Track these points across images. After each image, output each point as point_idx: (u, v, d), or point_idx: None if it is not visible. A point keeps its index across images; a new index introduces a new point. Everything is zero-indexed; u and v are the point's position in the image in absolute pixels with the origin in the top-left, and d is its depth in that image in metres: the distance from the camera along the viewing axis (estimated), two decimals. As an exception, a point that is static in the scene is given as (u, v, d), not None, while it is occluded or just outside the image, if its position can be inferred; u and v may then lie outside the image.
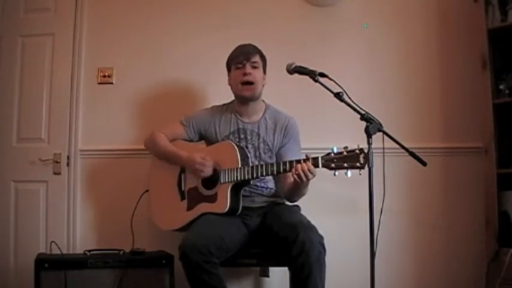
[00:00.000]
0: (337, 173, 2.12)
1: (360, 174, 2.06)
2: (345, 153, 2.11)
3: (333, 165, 2.12)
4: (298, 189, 2.35)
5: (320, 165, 2.16)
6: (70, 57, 2.99)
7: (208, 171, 2.42)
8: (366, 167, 2.00)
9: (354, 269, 2.72)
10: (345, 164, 2.09)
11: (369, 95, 2.65)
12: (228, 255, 2.29)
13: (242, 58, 2.50)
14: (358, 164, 2.06)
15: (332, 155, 2.13)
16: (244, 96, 2.52)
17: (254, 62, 2.51)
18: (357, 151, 2.08)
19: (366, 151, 2.04)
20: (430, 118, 2.96)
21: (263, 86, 2.57)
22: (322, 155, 2.16)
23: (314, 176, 2.19)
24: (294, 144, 2.55)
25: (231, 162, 2.37)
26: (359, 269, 2.38)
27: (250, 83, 2.49)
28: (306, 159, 2.19)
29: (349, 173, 2.09)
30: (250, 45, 2.57)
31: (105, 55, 3.03)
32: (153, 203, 2.65)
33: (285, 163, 2.26)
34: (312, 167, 2.16)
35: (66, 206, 2.92)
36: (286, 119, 2.58)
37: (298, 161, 2.20)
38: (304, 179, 2.17)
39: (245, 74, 2.48)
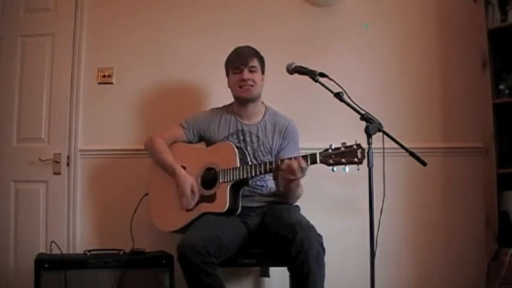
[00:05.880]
0: (335, 169, 2.12)
1: (358, 169, 2.06)
2: (342, 148, 2.12)
3: (331, 161, 2.13)
4: (288, 189, 2.34)
5: (318, 161, 2.16)
6: (70, 57, 2.99)
7: (190, 205, 2.42)
8: (366, 167, 1.98)
9: (353, 269, 2.72)
10: (343, 160, 2.10)
11: (369, 95, 2.66)
12: (228, 255, 2.29)
13: (239, 63, 2.50)
14: (355, 159, 2.07)
15: (330, 150, 2.14)
16: (242, 97, 2.52)
17: (252, 67, 2.50)
18: (355, 146, 2.09)
19: (363, 146, 2.06)
20: (430, 118, 2.96)
21: (262, 86, 2.57)
22: (320, 151, 2.17)
23: (303, 173, 2.20)
24: (292, 147, 2.54)
25: (230, 162, 2.37)
26: (359, 269, 2.38)
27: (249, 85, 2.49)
28: (297, 157, 2.19)
29: (347, 168, 2.09)
30: (247, 47, 2.56)
31: (105, 55, 3.03)
32: (153, 205, 2.64)
33: (282, 160, 2.25)
34: (303, 164, 2.17)
35: (66, 206, 2.92)
36: (286, 121, 2.58)
37: (296, 158, 2.20)
38: (290, 175, 2.19)
39: (243, 80, 2.48)
